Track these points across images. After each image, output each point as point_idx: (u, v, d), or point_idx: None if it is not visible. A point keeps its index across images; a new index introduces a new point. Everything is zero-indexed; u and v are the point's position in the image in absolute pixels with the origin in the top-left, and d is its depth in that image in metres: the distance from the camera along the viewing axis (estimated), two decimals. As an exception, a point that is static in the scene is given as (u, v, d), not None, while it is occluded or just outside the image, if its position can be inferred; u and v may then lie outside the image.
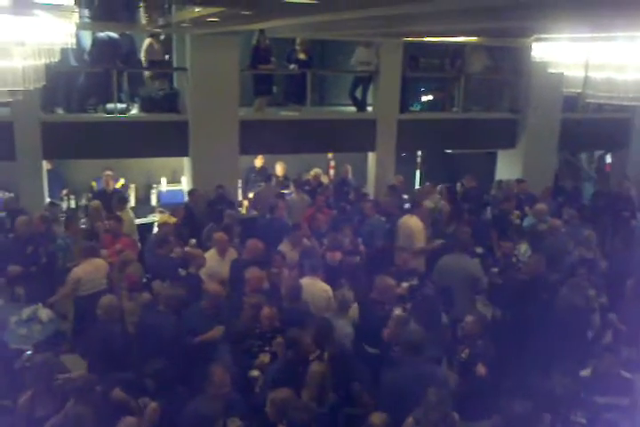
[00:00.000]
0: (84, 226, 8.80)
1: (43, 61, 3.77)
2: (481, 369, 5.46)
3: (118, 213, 8.60)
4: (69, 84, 9.76)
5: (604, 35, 4.99)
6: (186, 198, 10.12)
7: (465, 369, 5.59)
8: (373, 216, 9.11)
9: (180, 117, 10.22)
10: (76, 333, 6.85)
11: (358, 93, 11.54)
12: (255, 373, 5.38)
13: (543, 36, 6.22)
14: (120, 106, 10.05)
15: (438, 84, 13.23)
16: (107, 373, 5.16)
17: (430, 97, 13.16)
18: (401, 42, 10.85)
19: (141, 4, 9.05)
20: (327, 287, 6.65)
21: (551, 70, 6.30)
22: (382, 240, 8.74)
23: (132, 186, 11.00)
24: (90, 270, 6.98)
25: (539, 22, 5.77)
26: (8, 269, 7.39)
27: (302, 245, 7.86)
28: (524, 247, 8.35)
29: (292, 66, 11.18)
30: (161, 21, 8.80)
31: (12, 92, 3.81)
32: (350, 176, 11.52)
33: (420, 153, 13.56)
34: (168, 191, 11.16)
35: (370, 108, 11.62)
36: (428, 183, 11.36)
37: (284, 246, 7.74)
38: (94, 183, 10.70)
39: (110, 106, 9.98)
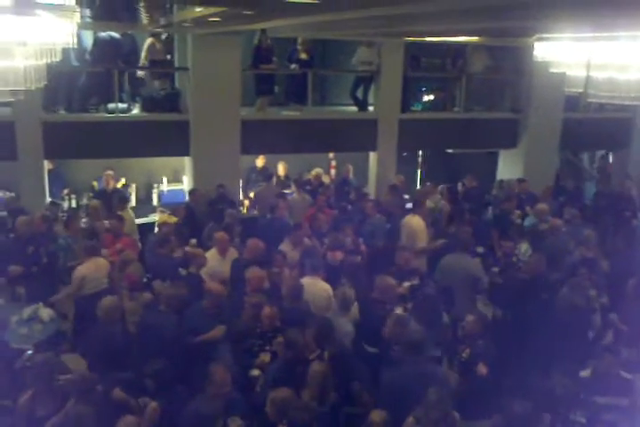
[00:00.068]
0: (84, 225, 8.81)
1: (44, 61, 3.76)
2: (481, 369, 5.46)
3: (119, 213, 8.61)
4: (71, 84, 9.77)
5: (606, 34, 4.98)
6: (187, 198, 10.14)
7: (465, 369, 5.58)
8: (374, 216, 9.12)
9: (181, 117, 10.23)
10: (76, 332, 6.85)
11: (359, 93, 11.54)
12: (256, 372, 5.39)
13: (545, 35, 6.22)
14: (121, 106, 10.08)
15: (439, 84, 13.22)
16: (107, 373, 5.16)
17: (431, 97, 13.14)
18: (402, 42, 10.86)
19: (142, 4, 9.05)
20: (328, 287, 6.65)
21: (553, 70, 6.30)
22: (383, 240, 8.75)
23: (133, 185, 11.02)
24: (93, 269, 7.00)
25: (540, 22, 5.77)
26: (9, 268, 7.38)
27: (303, 245, 7.85)
28: (524, 247, 8.35)
29: (293, 66, 11.20)
30: (162, 21, 8.80)
31: (13, 92, 3.81)
32: (351, 176, 11.53)
33: (421, 153, 13.57)
34: (169, 191, 11.17)
35: (371, 108, 11.62)
36: (429, 183, 11.36)
37: (284, 246, 7.74)
38: (95, 183, 10.72)
39: (112, 106, 9.99)
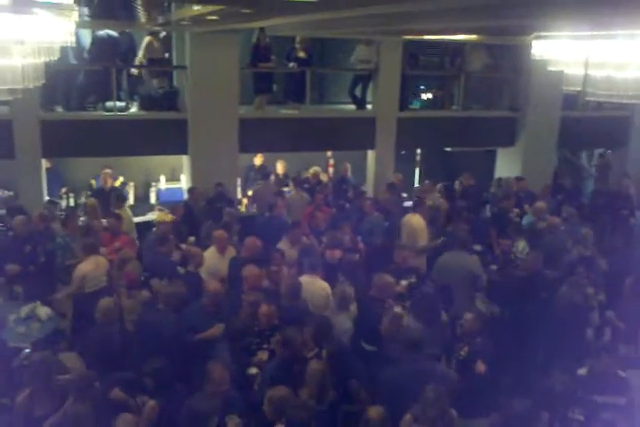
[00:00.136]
0: (82, 224, 8.79)
1: (42, 60, 3.76)
2: (480, 367, 5.46)
3: (117, 211, 8.61)
4: (69, 83, 9.76)
5: (604, 33, 4.99)
6: (185, 196, 10.13)
7: (464, 367, 5.58)
8: (372, 214, 9.13)
9: (179, 115, 10.22)
10: (74, 331, 6.84)
11: (358, 91, 11.54)
12: (254, 370, 5.39)
13: (543, 33, 6.22)
14: (119, 104, 10.04)
15: (438, 82, 13.23)
16: (105, 372, 5.15)
17: (430, 95, 13.16)
18: (401, 40, 10.85)
19: (140, 2, 9.05)
20: (326, 285, 6.65)
21: (551, 68, 6.31)
22: (381, 238, 8.75)
23: (131, 184, 11.00)
24: (93, 267, 6.99)
25: (538, 20, 5.77)
26: (6, 267, 7.37)
27: (301, 243, 7.86)
28: (521, 244, 8.36)
29: (291, 64, 11.18)
30: (160, 19, 8.79)
31: (11, 91, 3.81)
32: (349, 174, 11.53)
33: (419, 151, 13.56)
34: (167, 189, 11.16)
35: (369, 107, 11.62)
36: (427, 181, 11.36)
37: (283, 244, 7.74)
38: (93, 181, 10.70)
39: (110, 104, 9.98)
